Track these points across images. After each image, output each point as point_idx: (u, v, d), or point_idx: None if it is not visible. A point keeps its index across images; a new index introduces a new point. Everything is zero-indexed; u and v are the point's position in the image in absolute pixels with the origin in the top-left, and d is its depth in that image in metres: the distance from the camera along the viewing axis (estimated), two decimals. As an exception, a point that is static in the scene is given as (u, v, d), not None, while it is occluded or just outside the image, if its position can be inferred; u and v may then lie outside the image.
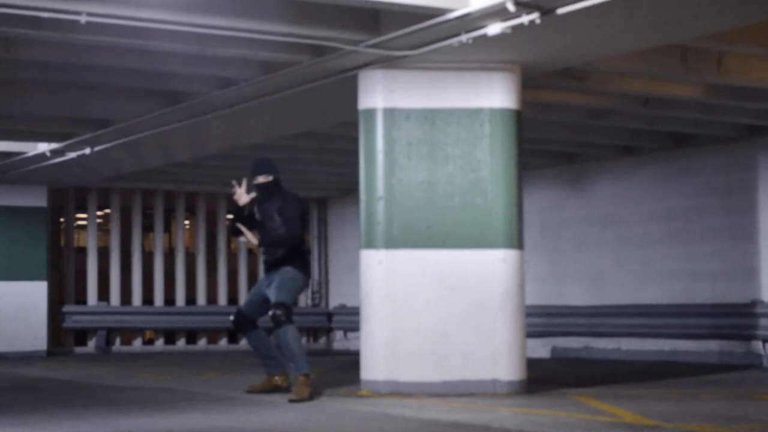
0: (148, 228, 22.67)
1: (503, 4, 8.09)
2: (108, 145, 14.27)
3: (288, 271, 9.30)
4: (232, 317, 9.68)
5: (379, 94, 9.79)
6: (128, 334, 21.28)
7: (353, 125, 10.65)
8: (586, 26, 8.77)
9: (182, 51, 9.72)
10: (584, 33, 8.99)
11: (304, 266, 9.46)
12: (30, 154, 15.49)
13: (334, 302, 22.47)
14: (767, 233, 15.11)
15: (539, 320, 17.02)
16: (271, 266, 9.40)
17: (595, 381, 11.28)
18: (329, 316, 22.21)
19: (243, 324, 9.64)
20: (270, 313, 9.18)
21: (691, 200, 15.91)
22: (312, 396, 9.01)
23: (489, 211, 9.69)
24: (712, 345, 15.48)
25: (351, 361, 13.16)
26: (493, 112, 9.77)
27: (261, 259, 9.75)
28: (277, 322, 9.10)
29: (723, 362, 15.04)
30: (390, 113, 9.77)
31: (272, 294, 9.27)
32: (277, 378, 9.71)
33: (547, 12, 8.17)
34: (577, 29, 8.83)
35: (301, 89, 10.71)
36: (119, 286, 20.83)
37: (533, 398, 9.13)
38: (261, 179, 9.37)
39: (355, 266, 10.32)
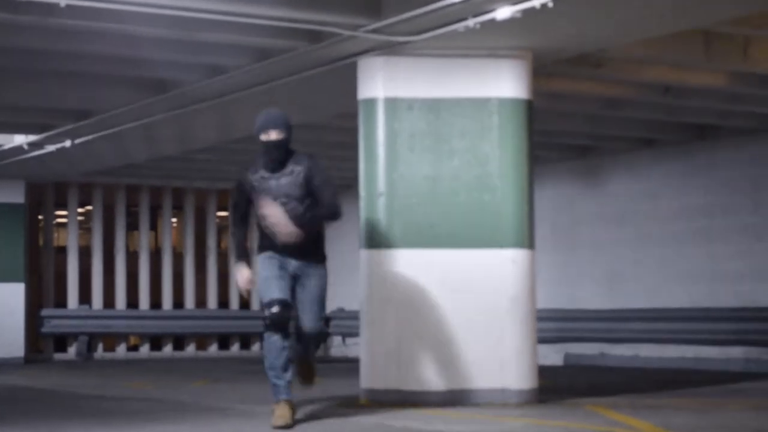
0: (132, 226, 22.67)
1: (513, -15, 8.09)
2: (89, 137, 14.26)
3: (324, 274, 8.02)
4: (276, 308, 7.69)
5: (380, 82, 9.78)
6: (111, 339, 21.26)
7: (352, 116, 10.63)
8: (603, 9, 8.75)
9: (169, 36, 9.69)
10: (600, 17, 8.97)
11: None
12: (6, 147, 15.48)
13: (331, 306, 22.46)
14: (796, 232, 15.11)
15: (551, 325, 17.01)
16: (302, 254, 7.88)
17: (612, 390, 11.26)
18: (326, 320, 22.22)
19: (287, 321, 7.84)
20: (310, 328, 8.00)
21: (714, 196, 15.89)
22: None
23: (497, 209, 9.68)
24: (737, 351, 15.46)
25: (350, 369, 13.16)
26: (501, 102, 9.75)
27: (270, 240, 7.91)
28: (318, 342, 8.21)
29: (748, 370, 15.02)
30: (391, 103, 9.76)
31: (312, 308, 7.94)
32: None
33: (560, -6, 8.16)
34: (592, 13, 8.81)
35: (296, 77, 10.69)
36: (102, 288, 20.82)
37: (545, 408, 9.12)
38: (274, 135, 7.82)
39: (354, 267, 10.29)
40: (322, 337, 7.95)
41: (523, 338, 9.64)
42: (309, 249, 7.86)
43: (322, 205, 7.81)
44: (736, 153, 15.66)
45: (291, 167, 7.84)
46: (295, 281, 7.87)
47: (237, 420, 8.37)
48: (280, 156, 7.83)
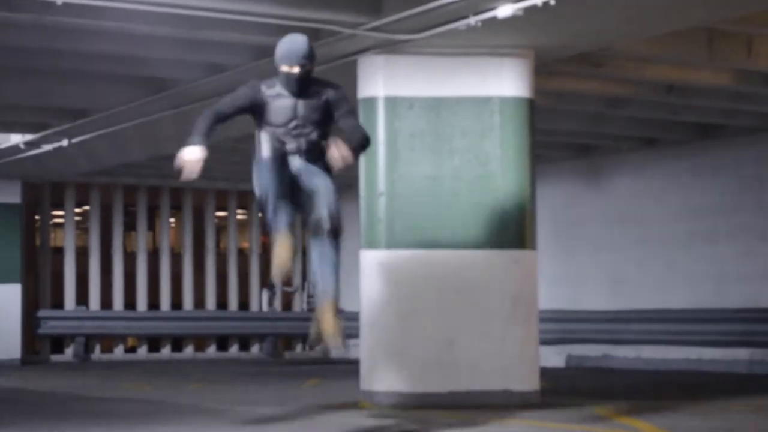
0: (130, 226, 22.65)
1: (515, -17, 8.10)
2: (87, 136, 14.25)
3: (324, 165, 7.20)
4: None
5: (380, 81, 9.78)
6: (109, 341, 21.25)
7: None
8: (605, 7, 8.75)
9: (168, 34, 9.70)
10: (603, 15, 8.97)
11: None
12: (2, 146, 15.47)
13: (331, 307, 22.41)
14: (800, 232, 15.11)
15: (554, 326, 17.01)
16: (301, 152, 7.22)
17: (615, 392, 11.26)
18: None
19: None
20: (327, 228, 7.04)
21: (718, 196, 15.89)
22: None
23: (499, 209, 9.68)
24: (742, 353, 15.46)
25: (350, 371, 13.16)
26: (503, 101, 9.75)
27: (288, 148, 7.15)
28: (336, 235, 7.13)
29: (753, 372, 15.02)
30: (392, 102, 9.76)
31: (322, 197, 7.10)
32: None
33: (562, -8, 8.16)
34: (594, 11, 8.81)
35: (295, 76, 10.68)
36: (99, 289, 20.80)
37: (547, 411, 9.12)
38: (298, 69, 7.10)
39: (354, 268, 10.30)
40: (339, 224, 7.05)
41: (525, 340, 9.64)
42: (314, 148, 7.16)
43: (356, 128, 7.23)
44: (741, 152, 15.66)
45: (312, 91, 7.18)
46: (297, 178, 7.14)
47: (234, 422, 8.36)
48: (301, 88, 7.13)
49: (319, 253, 7.14)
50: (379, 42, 9.51)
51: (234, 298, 21.94)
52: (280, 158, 7.16)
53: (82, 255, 21.06)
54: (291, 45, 7.06)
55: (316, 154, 7.16)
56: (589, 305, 17.49)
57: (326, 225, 7.05)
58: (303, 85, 7.13)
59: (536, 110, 10.14)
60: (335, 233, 7.08)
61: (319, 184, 7.10)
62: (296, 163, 7.18)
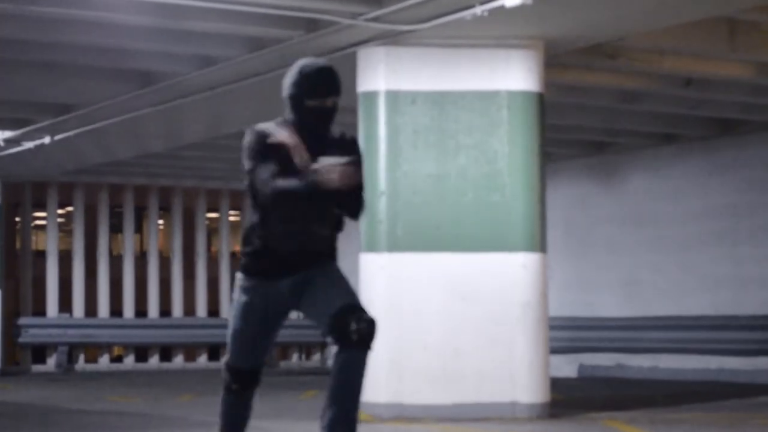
0: (116, 228, 22.67)
1: (523, -30, 8.11)
2: (70, 133, 14.26)
3: (338, 269, 5.69)
4: (237, 385, 5.68)
5: (381, 74, 9.79)
6: (93, 350, 21.27)
7: (351, 111, 10.63)
8: (619, -4, 8.76)
9: (155, 25, 9.70)
10: (617, 3, 8.98)
11: None
12: (-20, 143, 15.50)
13: (329, 313, 22.45)
14: (827, 234, 15.11)
15: (564, 334, 17.01)
16: (304, 259, 5.55)
17: (629, 404, 11.26)
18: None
19: (252, 382, 5.75)
20: (354, 327, 5.49)
21: (739, 196, 15.89)
22: None
23: (507, 209, 9.68)
24: (765, 362, 15.46)
25: (349, 381, 13.14)
26: (511, 95, 9.76)
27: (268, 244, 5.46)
28: (367, 342, 5.63)
29: (776, 382, 15.04)
30: (393, 97, 9.77)
31: (341, 293, 5.56)
32: None
33: (573, -20, 8.17)
34: None
35: (291, 69, 10.69)
36: (83, 295, 20.81)
37: (557, 423, 9.12)
38: (331, 102, 5.67)
39: (353, 272, 10.27)
40: (372, 321, 5.52)
41: (535, 348, 9.64)
42: (323, 249, 5.65)
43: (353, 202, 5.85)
44: (762, 149, 15.66)
45: (334, 148, 5.69)
46: (291, 306, 5.63)
47: (228, 436, 8.37)
48: (328, 131, 5.69)
49: (339, 368, 5.70)
50: (380, 33, 9.52)
51: (226, 305, 21.94)
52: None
53: (65, 259, 21.07)
54: (321, 73, 5.63)
55: (323, 238, 5.70)
56: (602, 311, 17.50)
57: (354, 334, 5.55)
58: (322, 127, 5.68)
59: (546, 105, 10.14)
60: (366, 341, 5.63)
61: (327, 292, 5.61)
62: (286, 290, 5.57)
